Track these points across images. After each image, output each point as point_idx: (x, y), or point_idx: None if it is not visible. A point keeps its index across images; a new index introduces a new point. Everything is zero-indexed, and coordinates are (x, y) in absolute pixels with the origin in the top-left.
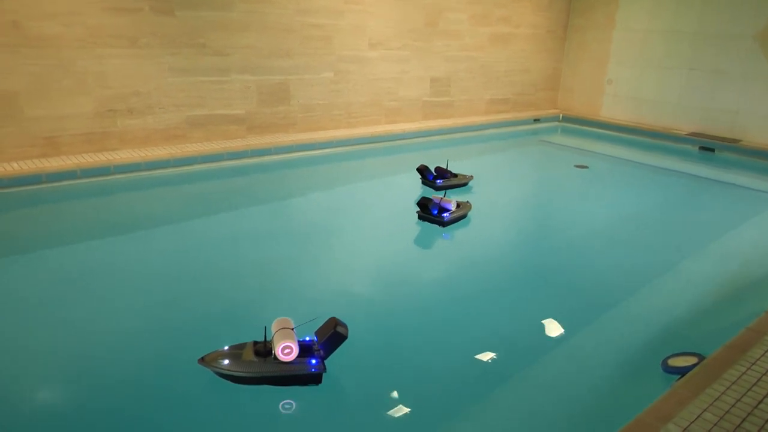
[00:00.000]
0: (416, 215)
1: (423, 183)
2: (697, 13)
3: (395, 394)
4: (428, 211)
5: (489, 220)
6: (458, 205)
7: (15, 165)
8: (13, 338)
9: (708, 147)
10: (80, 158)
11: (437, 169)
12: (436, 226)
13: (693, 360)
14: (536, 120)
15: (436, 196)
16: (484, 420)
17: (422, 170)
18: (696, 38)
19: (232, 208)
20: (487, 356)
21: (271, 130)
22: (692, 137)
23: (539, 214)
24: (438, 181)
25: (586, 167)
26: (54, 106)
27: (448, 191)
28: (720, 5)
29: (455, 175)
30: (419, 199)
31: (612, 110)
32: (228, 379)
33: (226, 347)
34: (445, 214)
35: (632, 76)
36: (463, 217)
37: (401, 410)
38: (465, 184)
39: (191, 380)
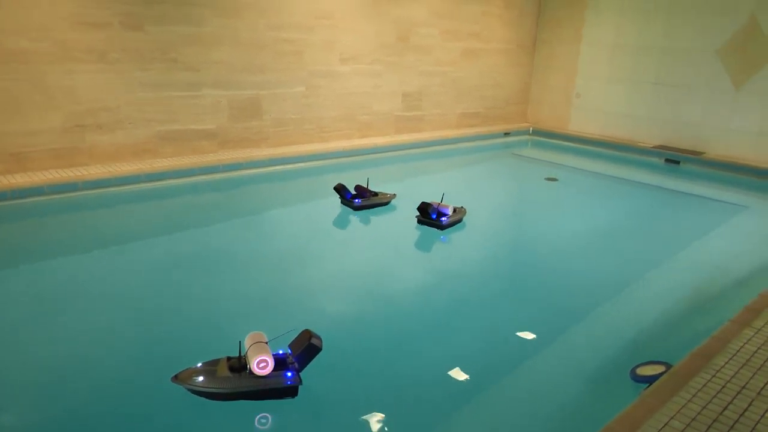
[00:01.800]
0: (416, 220)
1: (342, 203)
2: (661, 29)
3: (370, 405)
4: (428, 216)
5: (460, 233)
6: (455, 210)
7: None
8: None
9: (673, 159)
10: (48, 174)
11: (357, 187)
12: (406, 241)
13: (660, 369)
14: (507, 133)
15: (434, 201)
16: (458, 431)
17: (339, 189)
18: (661, 53)
19: (204, 224)
20: (460, 367)
21: (243, 145)
22: (658, 150)
23: (510, 226)
24: (356, 200)
25: (556, 180)
26: (22, 121)
27: (376, 210)
28: (684, 21)
29: (375, 194)
30: (419, 204)
31: (580, 123)
32: (203, 396)
33: (200, 364)
34: (443, 218)
35: (599, 89)
36: (459, 221)
37: (377, 419)
38: (386, 203)
39: (165, 399)
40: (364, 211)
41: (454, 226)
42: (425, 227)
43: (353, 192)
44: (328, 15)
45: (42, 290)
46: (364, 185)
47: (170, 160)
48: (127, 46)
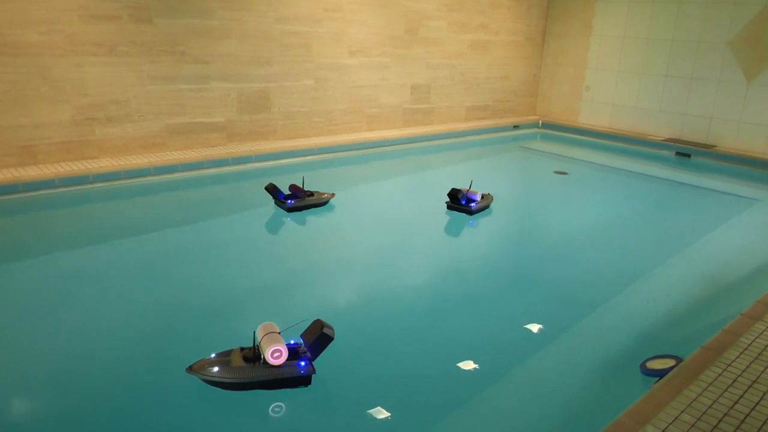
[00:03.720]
0: (445, 206)
1: (276, 204)
2: (672, 21)
3: (382, 393)
4: (457, 201)
5: (472, 226)
6: (482, 196)
7: None
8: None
9: (684, 152)
10: (58, 167)
11: (291, 187)
12: (410, 235)
13: (671, 362)
14: (516, 126)
15: (463, 188)
16: (466, 423)
17: (271, 189)
18: (672, 45)
19: (213, 216)
20: (469, 360)
21: (251, 138)
22: (669, 143)
23: (520, 219)
24: (289, 201)
25: (566, 173)
26: (31, 114)
27: (306, 212)
28: (695, 13)
29: (311, 194)
30: (449, 190)
31: (589, 116)
32: (218, 386)
33: (213, 355)
34: (472, 204)
35: (609, 82)
36: (487, 207)
37: (390, 407)
38: (323, 204)
39: (179, 389)
40: (300, 212)
41: (460, 220)
42: (454, 212)
43: (286, 192)
44: (336, 7)
45: (51, 283)
46: (299, 185)
47: (179, 153)
48: (136, 39)
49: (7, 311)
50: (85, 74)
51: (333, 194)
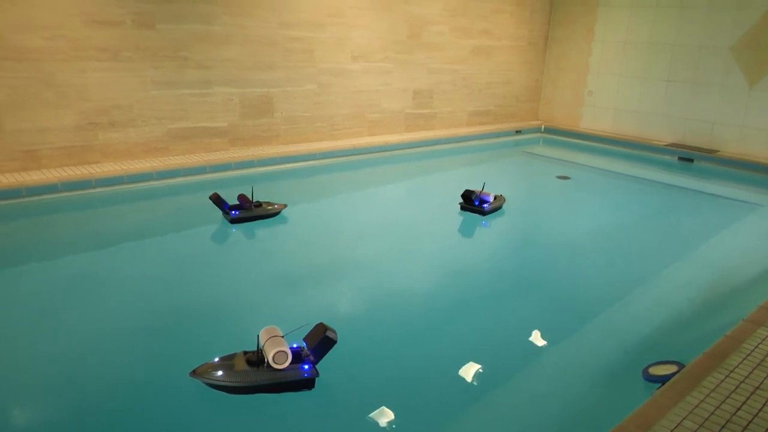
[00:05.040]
0: (459, 207)
1: (223, 216)
2: (674, 26)
3: (386, 396)
4: (471, 203)
5: (479, 231)
6: (495, 198)
7: None
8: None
9: (687, 157)
10: (61, 171)
11: (240, 197)
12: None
13: (673, 368)
14: (518, 131)
15: (476, 189)
16: (469, 427)
17: (215, 199)
18: (674, 50)
19: (215, 221)
20: (470, 366)
21: (254, 143)
22: (671, 148)
23: (522, 224)
24: (233, 212)
25: (569, 178)
26: (34, 119)
27: (255, 223)
28: (697, 18)
29: (259, 205)
30: (463, 191)
31: (592, 121)
32: (222, 390)
33: (217, 359)
34: (485, 205)
35: (611, 87)
36: (499, 208)
37: (393, 410)
38: (273, 215)
39: (183, 393)
40: (248, 222)
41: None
42: (460, 215)
43: (231, 203)
44: (338, 13)
45: (53, 287)
46: (248, 195)
47: (182, 158)
48: (139, 44)
49: (11, 314)
50: (88, 79)
51: (285, 205)
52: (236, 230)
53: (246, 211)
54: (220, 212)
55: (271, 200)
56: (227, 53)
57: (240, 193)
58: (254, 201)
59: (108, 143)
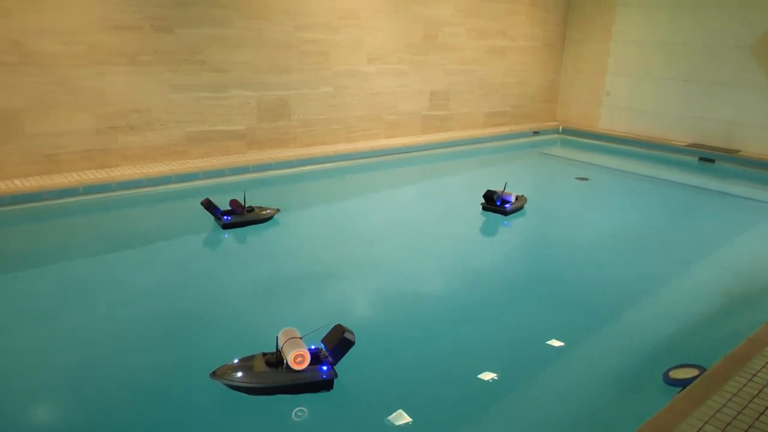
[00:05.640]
0: (480, 207)
1: (215, 221)
2: (692, 25)
3: (403, 398)
4: (492, 203)
5: (492, 232)
6: (516, 198)
7: (17, 182)
8: (12, 350)
9: (707, 158)
10: (82, 175)
11: (232, 202)
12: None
13: (694, 372)
14: (536, 132)
15: (498, 189)
16: (486, 431)
17: (206, 205)
18: (692, 49)
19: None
20: (491, 367)
21: (271, 145)
22: (692, 148)
23: (541, 226)
24: (225, 217)
25: (587, 179)
26: (54, 123)
27: (249, 228)
28: (715, 17)
29: (251, 210)
30: (485, 191)
31: (610, 122)
32: (242, 391)
33: (236, 360)
34: (507, 205)
35: (630, 87)
36: (521, 208)
37: (411, 412)
38: (265, 220)
39: (203, 393)
40: (243, 228)
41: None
42: (488, 213)
43: (223, 208)
44: (353, 15)
45: (83, 285)
46: (240, 200)
47: (200, 161)
48: (157, 48)
49: (28, 316)
50: (107, 83)
51: (277, 210)
52: (230, 233)
53: (238, 216)
54: (235, 214)
55: (270, 204)
56: (243, 56)
57: (232, 198)
58: (246, 206)
59: (127, 147)
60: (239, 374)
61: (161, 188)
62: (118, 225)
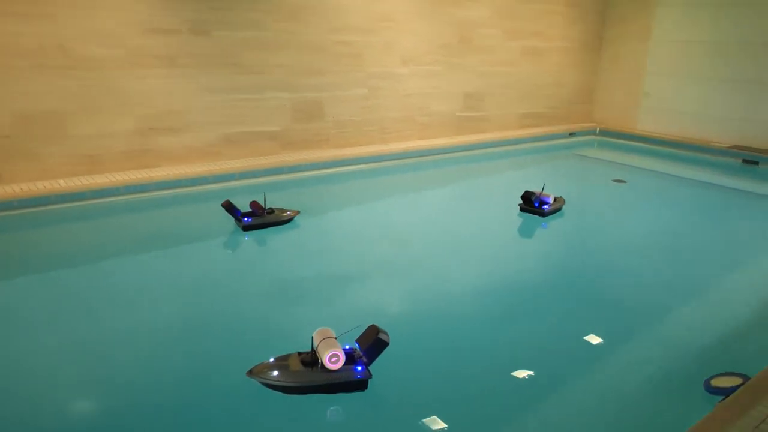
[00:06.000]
0: (518, 208)
1: (236, 223)
2: (736, 23)
3: (437, 400)
4: (530, 204)
5: (527, 234)
6: (555, 199)
7: (62, 182)
8: (60, 345)
9: (751, 160)
10: (123, 175)
11: (252, 204)
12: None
13: (737, 381)
14: (572, 134)
15: (536, 190)
16: None
17: (227, 207)
18: (736, 48)
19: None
20: (523, 371)
21: (305, 147)
22: (734, 150)
23: (578, 228)
24: (245, 219)
25: (624, 182)
26: (96, 124)
27: (267, 230)
28: (761, 14)
29: (271, 211)
30: (522, 193)
31: (648, 123)
32: (277, 390)
33: (272, 359)
34: (545, 206)
35: (669, 88)
36: (559, 209)
37: (444, 415)
38: (286, 221)
39: (238, 392)
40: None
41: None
42: (526, 214)
43: (244, 210)
44: (388, 17)
45: (129, 283)
46: (260, 202)
47: (236, 162)
48: (194, 51)
49: (71, 311)
50: (146, 86)
51: (297, 212)
52: (250, 235)
53: (259, 218)
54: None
55: (288, 206)
56: (278, 59)
57: (252, 200)
58: (267, 208)
59: (165, 148)
60: (275, 373)
61: (199, 188)
62: (152, 224)
